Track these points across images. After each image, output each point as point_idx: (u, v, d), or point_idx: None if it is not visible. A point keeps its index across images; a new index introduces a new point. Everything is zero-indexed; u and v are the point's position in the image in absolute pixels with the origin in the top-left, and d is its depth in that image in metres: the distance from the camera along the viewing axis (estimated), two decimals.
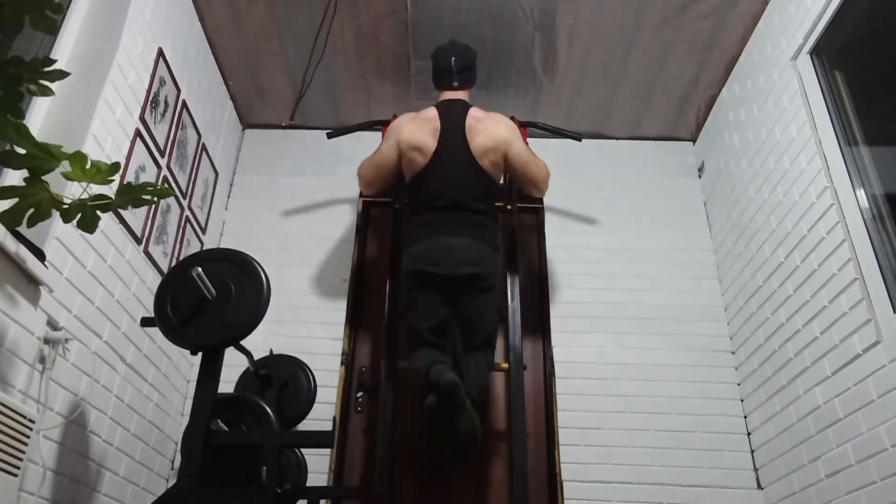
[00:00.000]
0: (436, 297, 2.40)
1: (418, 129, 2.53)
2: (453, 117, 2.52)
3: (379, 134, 2.99)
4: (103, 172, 1.49)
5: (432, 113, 2.55)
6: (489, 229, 2.49)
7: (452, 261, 2.38)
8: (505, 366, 2.81)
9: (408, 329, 2.48)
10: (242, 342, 2.07)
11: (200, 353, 1.97)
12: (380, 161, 2.64)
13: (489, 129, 2.52)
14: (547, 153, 3.43)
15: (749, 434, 2.89)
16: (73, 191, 1.59)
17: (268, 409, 2.11)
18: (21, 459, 1.61)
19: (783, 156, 2.67)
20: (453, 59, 2.63)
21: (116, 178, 1.53)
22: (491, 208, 2.55)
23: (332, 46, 3.15)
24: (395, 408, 2.57)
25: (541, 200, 3.44)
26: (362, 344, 3.17)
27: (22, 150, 1.40)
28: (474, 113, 2.55)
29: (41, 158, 1.41)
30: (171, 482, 2.70)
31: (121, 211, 2.31)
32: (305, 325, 3.11)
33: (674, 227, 3.40)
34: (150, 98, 2.49)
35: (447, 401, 2.19)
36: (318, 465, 2.76)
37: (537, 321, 3.21)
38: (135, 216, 2.42)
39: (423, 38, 3.11)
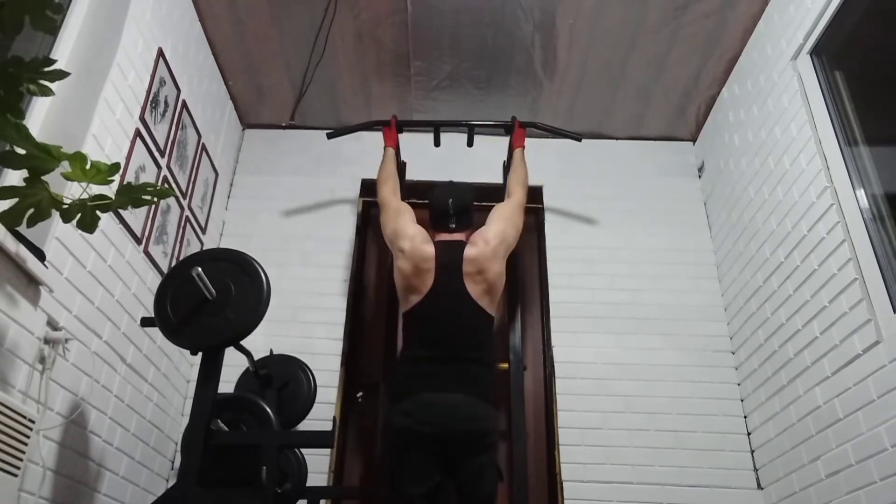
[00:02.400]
0: (428, 458, 2.19)
1: (415, 257, 2.35)
2: (450, 260, 2.35)
3: (379, 134, 2.99)
4: (103, 172, 1.49)
5: (430, 251, 2.37)
6: (486, 383, 2.31)
7: (448, 419, 2.18)
8: (505, 366, 2.82)
9: (395, 495, 2.22)
10: (242, 342, 2.07)
11: (200, 353, 1.97)
12: (385, 203, 2.60)
13: (484, 259, 2.35)
14: (547, 153, 3.46)
15: (749, 434, 2.90)
16: (73, 191, 1.59)
17: (268, 409, 2.11)
18: (21, 459, 1.61)
19: (783, 156, 2.67)
20: (451, 201, 2.47)
21: (116, 178, 1.53)
22: (489, 353, 2.39)
23: (332, 46, 3.15)
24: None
25: (541, 201, 3.44)
26: (362, 344, 3.17)
27: (22, 151, 1.40)
28: (469, 252, 2.36)
29: (41, 158, 1.42)
30: (171, 482, 2.70)
31: (121, 211, 2.31)
32: (305, 325, 3.11)
33: (674, 227, 3.40)
34: (150, 98, 2.49)
35: None
36: (318, 465, 2.76)
37: (537, 321, 3.22)
38: (135, 216, 2.42)
39: (423, 38, 3.11)
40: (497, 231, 2.45)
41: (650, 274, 3.27)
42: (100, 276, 2.17)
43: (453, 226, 2.47)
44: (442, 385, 2.24)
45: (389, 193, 2.63)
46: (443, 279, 2.34)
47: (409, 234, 2.43)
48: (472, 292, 2.33)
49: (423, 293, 2.34)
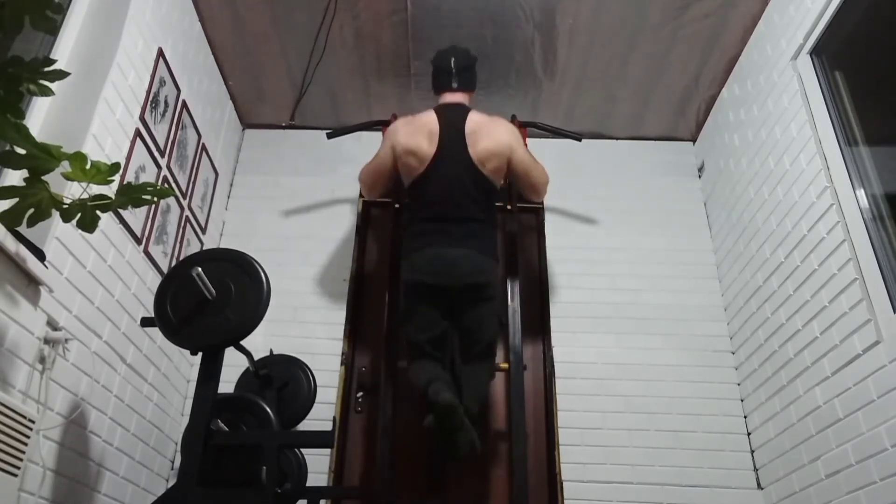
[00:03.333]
0: (435, 308, 2.38)
1: (414, 132, 2.49)
2: (452, 122, 2.47)
3: (379, 134, 2.99)
4: (103, 172, 1.49)
5: (430, 117, 2.50)
6: (489, 239, 2.46)
7: (452, 272, 2.35)
8: (505, 366, 2.81)
9: (406, 340, 2.45)
10: (242, 342, 2.07)
11: (200, 353, 1.97)
12: (376, 167, 2.64)
13: (492, 134, 2.48)
14: (547, 153, 3.44)
15: (749, 434, 2.89)
16: (73, 191, 1.59)
17: (268, 409, 2.11)
18: (21, 459, 1.61)
19: (783, 156, 2.67)
20: (453, 59, 2.58)
21: (116, 178, 1.53)
22: (491, 215, 2.52)
23: (332, 46, 3.15)
24: (394, 408, 2.58)
25: (541, 201, 3.44)
26: (362, 344, 3.17)
27: (22, 150, 1.40)
28: (474, 117, 2.50)
29: (41, 158, 1.42)
30: (171, 482, 2.70)
31: (121, 211, 2.31)
32: (305, 325, 3.11)
33: (674, 227, 3.40)
34: (150, 98, 2.49)
35: (446, 421, 2.17)
36: (318, 465, 2.76)
37: (537, 321, 3.21)
38: (135, 216, 2.42)
39: (423, 38, 3.11)
40: (510, 140, 2.51)
41: (650, 274, 3.27)
42: (100, 276, 2.17)
43: (455, 85, 2.56)
44: (446, 241, 2.39)
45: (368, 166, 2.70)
46: (446, 141, 2.43)
47: (398, 136, 2.51)
48: (473, 155, 2.42)
49: (426, 159, 2.43)
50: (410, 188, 2.55)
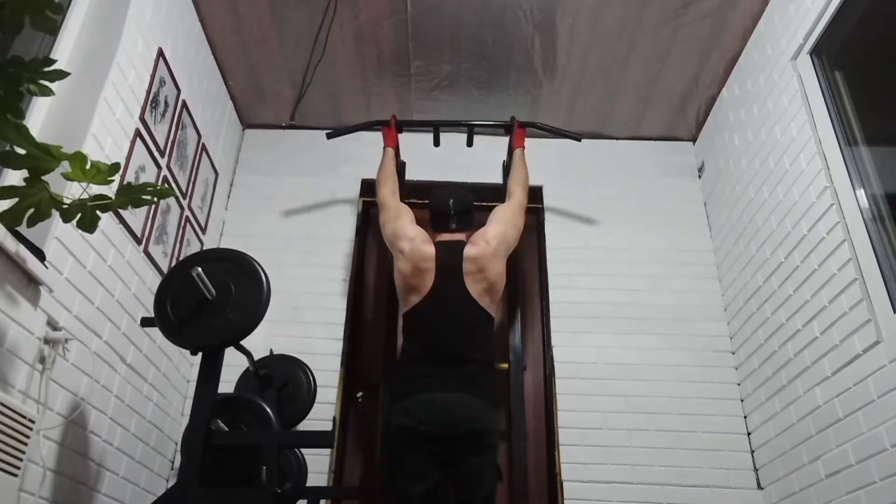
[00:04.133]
0: (428, 457, 2.21)
1: (415, 257, 2.37)
2: (450, 260, 2.37)
3: (379, 134, 2.99)
4: (103, 172, 1.49)
5: (430, 249, 2.39)
6: (487, 383, 2.33)
7: (448, 419, 2.20)
8: (505, 366, 2.82)
9: (395, 493, 2.25)
10: (242, 342, 2.07)
11: (200, 353, 1.97)
12: (384, 203, 2.62)
13: (485, 259, 2.37)
14: (547, 153, 3.46)
15: (749, 434, 2.89)
16: (73, 191, 1.59)
17: (268, 409, 2.11)
18: (21, 459, 1.61)
19: (783, 156, 2.67)
20: (451, 201, 2.50)
21: (116, 178, 1.53)
22: (489, 353, 2.40)
23: (332, 46, 3.15)
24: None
25: (541, 201, 3.44)
26: (362, 344, 3.17)
27: (22, 151, 1.40)
28: (470, 252, 2.38)
29: (41, 158, 1.42)
30: (171, 482, 2.70)
31: (121, 211, 2.31)
32: (305, 325, 3.11)
33: (674, 227, 3.40)
34: (150, 98, 2.49)
35: None
36: (318, 465, 2.76)
37: (537, 321, 3.22)
38: (135, 216, 2.42)
39: (423, 38, 3.11)
40: (497, 231, 2.46)
41: (650, 274, 3.27)
42: (100, 276, 2.17)
43: (454, 226, 2.49)
44: (442, 384, 2.24)
45: (388, 194, 2.64)
46: (443, 279, 2.35)
47: (408, 234, 2.43)
48: (472, 292, 2.34)
49: (423, 293, 2.35)
50: (406, 317, 2.42)
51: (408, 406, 2.24)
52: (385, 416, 2.89)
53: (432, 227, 2.52)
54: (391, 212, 2.57)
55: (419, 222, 2.54)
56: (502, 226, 2.50)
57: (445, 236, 2.47)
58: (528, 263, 3.34)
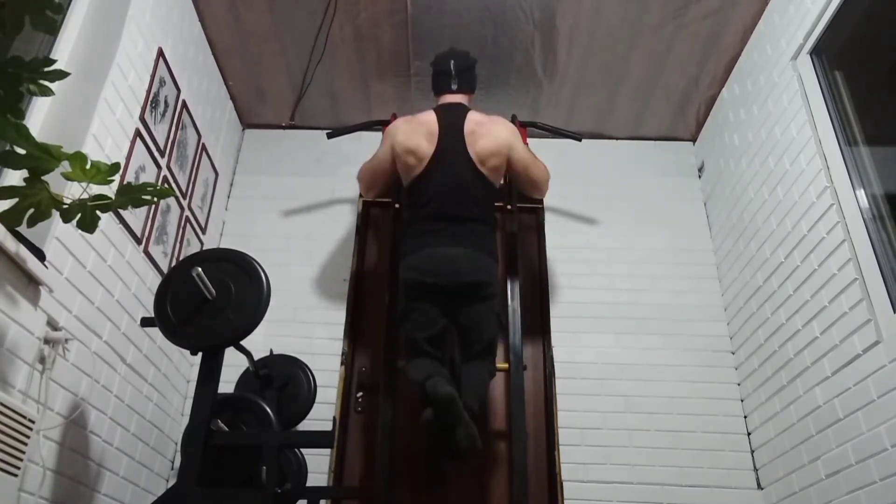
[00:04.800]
0: (434, 307, 2.37)
1: (414, 132, 2.49)
2: (452, 121, 2.47)
3: (379, 134, 2.99)
4: (103, 173, 1.49)
5: (430, 116, 2.50)
6: (488, 238, 2.46)
7: (451, 271, 2.34)
8: (505, 366, 2.80)
9: (404, 339, 2.44)
10: (242, 342, 2.07)
11: (200, 353, 1.97)
12: (375, 166, 2.64)
13: (491, 133, 2.48)
14: (547, 153, 3.43)
15: (749, 434, 2.89)
16: (73, 191, 1.59)
17: (268, 409, 2.11)
18: (21, 459, 1.62)
19: (783, 156, 2.67)
20: (452, 62, 2.59)
21: (116, 178, 1.53)
22: (490, 214, 2.52)
23: (332, 46, 3.15)
24: (394, 408, 2.58)
25: (541, 200, 3.43)
26: (362, 344, 3.17)
27: (22, 151, 1.40)
28: (474, 116, 2.50)
29: (41, 158, 1.42)
30: (171, 482, 2.70)
31: (121, 211, 2.31)
32: (305, 325, 3.11)
33: (674, 227, 3.40)
34: (150, 98, 2.49)
35: (444, 415, 2.16)
36: (318, 465, 2.76)
37: (537, 321, 3.21)
38: (135, 216, 2.42)
39: (423, 38, 3.11)
40: (509, 139, 2.52)
41: (650, 274, 3.26)
42: (100, 276, 2.17)
43: (455, 87, 2.56)
44: (445, 240, 2.38)
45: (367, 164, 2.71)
46: (445, 140, 2.43)
47: (397, 135, 2.51)
48: (472, 154, 2.43)
49: (425, 159, 2.43)
50: (409, 188, 2.54)
51: (413, 261, 2.39)
52: (385, 415, 2.88)
53: (434, 91, 2.62)
54: (373, 160, 2.64)
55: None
56: (520, 146, 2.56)
57: (447, 97, 2.56)
58: (528, 263, 3.34)
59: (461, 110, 2.52)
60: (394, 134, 2.55)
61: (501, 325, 2.50)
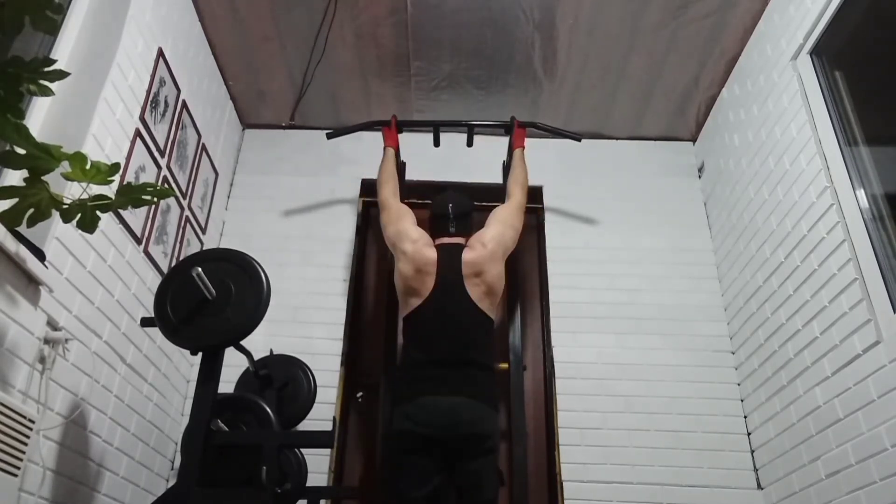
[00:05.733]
0: (429, 461, 2.21)
1: (418, 260, 2.38)
2: (450, 260, 2.38)
3: (379, 134, 2.99)
4: (103, 173, 1.49)
5: (432, 255, 2.40)
6: (488, 386, 2.33)
7: (450, 422, 2.20)
8: (505, 366, 2.82)
9: (396, 498, 2.24)
10: (242, 342, 2.07)
11: (200, 353, 1.97)
12: (385, 203, 2.63)
13: (483, 262, 2.38)
14: (547, 153, 3.45)
15: (749, 434, 2.89)
16: (73, 191, 1.59)
17: (268, 409, 2.11)
18: (21, 459, 1.62)
19: (783, 156, 2.67)
20: (451, 206, 2.53)
21: (116, 178, 1.53)
22: (490, 357, 2.41)
23: (332, 46, 3.15)
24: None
25: (541, 200, 3.44)
26: (362, 344, 3.17)
27: (22, 151, 1.40)
28: (468, 256, 2.40)
29: (41, 158, 1.42)
30: (171, 482, 2.70)
31: (121, 211, 2.31)
32: (305, 325, 3.11)
33: (674, 227, 3.40)
34: (150, 98, 2.48)
35: None
36: (318, 465, 2.76)
37: (537, 321, 3.22)
38: (135, 216, 2.42)
39: (423, 38, 3.11)
40: (494, 234, 2.47)
41: (650, 274, 3.26)
42: (100, 276, 2.17)
43: (453, 230, 2.51)
44: (443, 388, 2.25)
45: (390, 195, 2.65)
46: (443, 282, 2.36)
47: (412, 237, 2.45)
48: (472, 295, 2.35)
49: (423, 296, 2.35)
50: (406, 321, 2.43)
51: (409, 410, 2.24)
52: (385, 416, 2.89)
53: (432, 232, 2.53)
54: (393, 213, 2.58)
55: (419, 223, 2.55)
56: (500, 227, 2.51)
57: (445, 240, 2.48)
58: (528, 263, 3.34)
59: (458, 250, 2.43)
60: (409, 230, 2.48)
61: (502, 483, 2.33)
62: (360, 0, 2.93)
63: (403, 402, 2.28)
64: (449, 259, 2.39)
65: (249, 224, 3.39)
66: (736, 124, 3.14)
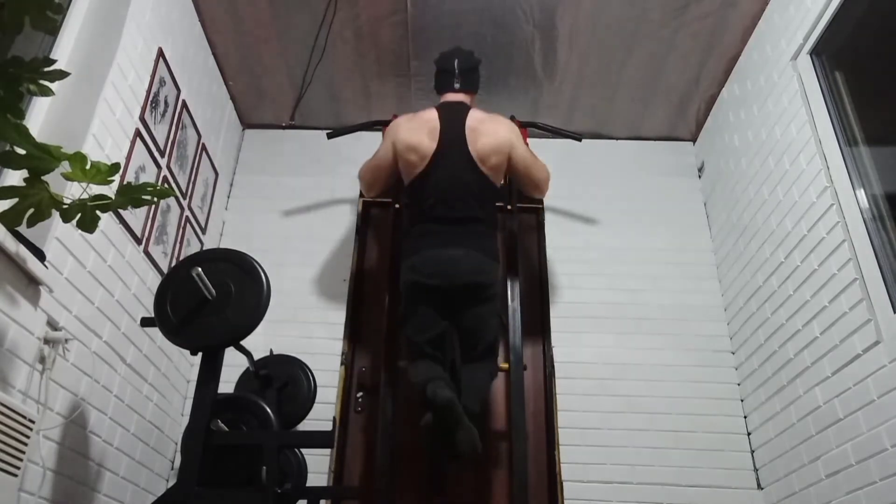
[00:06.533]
0: (434, 308, 2.36)
1: (415, 129, 2.48)
2: (453, 119, 2.47)
3: (379, 134, 2.99)
4: (103, 173, 1.49)
5: (431, 114, 2.50)
6: (489, 238, 2.45)
7: (451, 272, 2.33)
8: (505, 366, 2.80)
9: (406, 340, 2.44)
10: (242, 342, 2.07)
11: (200, 353, 1.97)
12: (376, 163, 2.63)
13: (491, 131, 2.48)
14: (547, 153, 3.43)
15: (749, 434, 2.89)
16: (73, 191, 1.59)
17: (268, 409, 2.11)
18: (21, 459, 1.61)
19: (783, 156, 2.67)
20: (456, 60, 2.59)
21: (116, 178, 1.53)
22: (491, 214, 2.51)
23: (332, 46, 3.15)
24: (394, 408, 2.58)
25: (541, 200, 3.43)
26: (362, 344, 3.17)
27: (22, 151, 1.40)
28: (475, 115, 2.50)
29: (41, 159, 1.42)
30: (171, 482, 2.70)
31: (121, 211, 2.31)
32: (305, 325, 3.11)
33: (674, 227, 3.40)
34: (150, 98, 2.49)
35: (444, 419, 2.16)
36: (318, 465, 2.76)
37: (537, 321, 3.21)
38: (135, 216, 2.42)
39: (423, 38, 3.11)
40: (509, 137, 2.51)
41: (650, 274, 3.26)
42: (100, 276, 2.17)
43: (457, 85, 2.56)
44: (446, 241, 2.38)
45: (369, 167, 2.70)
46: (445, 142, 2.42)
47: (399, 133, 2.50)
48: (473, 153, 2.41)
49: (426, 158, 2.42)
50: (410, 187, 2.53)
51: (415, 262, 2.38)
52: (385, 414, 2.88)
53: (436, 89, 2.61)
54: (374, 158, 2.63)
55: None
56: (518, 142, 2.54)
57: (449, 96, 2.56)
58: (528, 263, 3.34)
59: (463, 109, 2.51)
60: (395, 131, 2.54)
61: (503, 326, 2.49)
62: (360, 0, 2.93)
63: (409, 256, 2.41)
64: (453, 115, 2.46)
65: (249, 224, 3.39)
66: (736, 124, 3.14)
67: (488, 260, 2.39)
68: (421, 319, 2.37)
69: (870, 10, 2.31)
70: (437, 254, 2.37)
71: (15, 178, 1.79)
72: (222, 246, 3.26)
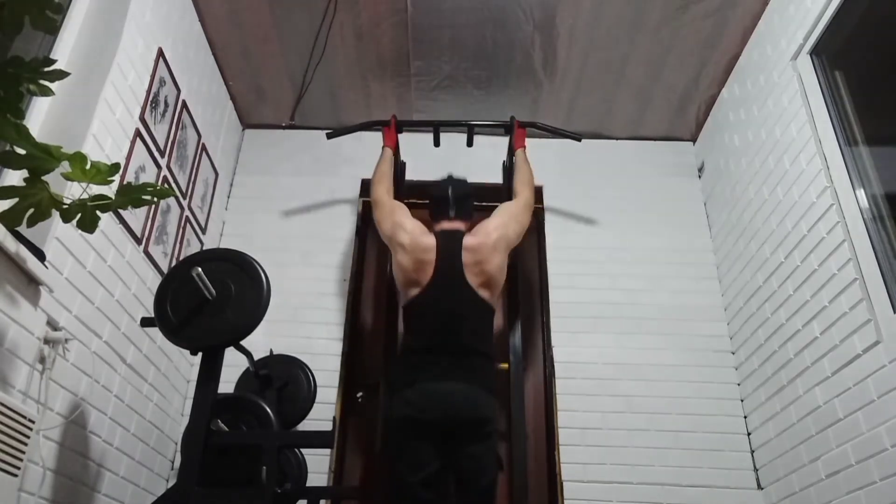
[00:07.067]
0: (428, 447, 2.19)
1: (416, 248, 2.38)
2: (450, 249, 2.37)
3: (379, 134, 2.99)
4: (103, 173, 1.49)
5: (430, 240, 2.39)
6: (487, 372, 2.33)
7: (449, 407, 2.20)
8: (505, 366, 2.82)
9: (395, 483, 2.24)
10: (242, 342, 2.07)
11: (200, 353, 1.97)
12: (379, 202, 2.61)
13: (485, 250, 2.37)
14: (547, 153, 3.45)
15: (749, 434, 2.89)
16: (73, 191, 1.59)
17: (268, 409, 2.11)
18: (21, 459, 1.61)
19: (783, 156, 2.67)
20: (450, 188, 2.54)
21: (116, 178, 1.53)
22: (489, 345, 2.40)
23: (332, 46, 3.15)
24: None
25: (541, 201, 3.44)
26: (362, 344, 3.17)
27: (22, 151, 1.40)
28: (469, 242, 2.39)
29: (41, 159, 1.42)
30: (171, 482, 2.70)
31: (121, 211, 2.31)
32: (305, 325, 3.11)
33: (674, 227, 3.40)
34: (150, 98, 2.49)
35: None
36: (318, 465, 2.76)
37: (537, 321, 3.22)
38: (135, 216, 2.42)
39: (423, 38, 3.11)
40: (499, 223, 2.47)
41: (650, 274, 3.26)
42: (100, 276, 2.17)
43: (453, 214, 2.51)
44: (442, 374, 2.25)
45: (384, 192, 2.65)
46: (443, 268, 2.36)
47: (407, 227, 2.45)
48: (471, 282, 2.35)
49: (423, 285, 2.35)
50: (406, 309, 2.42)
51: (409, 396, 2.24)
52: (385, 411, 2.89)
53: (432, 218, 2.54)
54: (386, 208, 2.58)
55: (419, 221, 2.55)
56: (505, 218, 2.51)
57: (445, 225, 2.49)
58: (528, 263, 3.34)
59: (458, 236, 2.42)
60: (403, 222, 2.47)
61: (501, 468, 2.34)
62: (360, 0, 2.93)
63: (403, 388, 2.27)
64: (449, 244, 2.39)
65: (249, 224, 3.39)
66: (736, 124, 3.14)
67: (486, 394, 2.27)
68: (414, 457, 2.19)
69: (870, 10, 2.31)
70: (432, 387, 2.23)
71: (15, 178, 1.79)
72: (222, 246, 3.26)
